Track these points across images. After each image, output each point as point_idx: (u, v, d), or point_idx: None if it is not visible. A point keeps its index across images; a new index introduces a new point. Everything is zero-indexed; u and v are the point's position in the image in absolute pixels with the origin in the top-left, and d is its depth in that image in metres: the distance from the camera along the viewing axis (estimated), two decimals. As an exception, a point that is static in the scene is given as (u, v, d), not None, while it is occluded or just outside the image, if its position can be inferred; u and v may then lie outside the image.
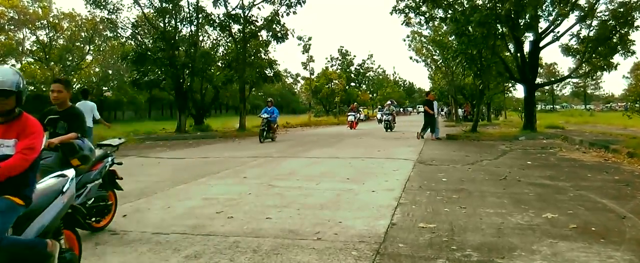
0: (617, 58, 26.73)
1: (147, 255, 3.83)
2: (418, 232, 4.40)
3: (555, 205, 5.48)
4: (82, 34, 20.74)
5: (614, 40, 17.48)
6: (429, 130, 16.92)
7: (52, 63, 19.61)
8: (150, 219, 5.07)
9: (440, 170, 8.66)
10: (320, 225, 4.69)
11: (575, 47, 19.30)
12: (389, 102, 26.85)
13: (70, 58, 20.36)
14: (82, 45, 21.17)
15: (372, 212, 5.24)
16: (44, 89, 28.07)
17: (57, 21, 21.14)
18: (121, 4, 21.63)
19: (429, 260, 3.64)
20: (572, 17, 18.33)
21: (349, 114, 29.82)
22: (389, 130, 23.16)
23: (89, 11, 21.68)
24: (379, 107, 47.63)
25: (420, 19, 19.98)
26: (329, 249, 3.90)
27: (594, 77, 73.36)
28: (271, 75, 26.37)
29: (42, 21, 20.89)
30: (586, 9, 17.73)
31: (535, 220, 4.82)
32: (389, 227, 4.59)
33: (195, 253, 3.84)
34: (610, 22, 17.21)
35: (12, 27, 22.85)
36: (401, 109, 75.17)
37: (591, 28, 18.24)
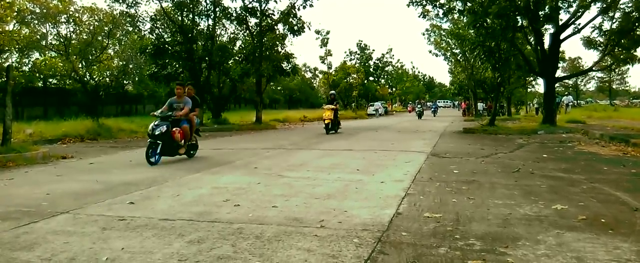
0: (640, 51, 25.91)
1: (151, 239, 3.88)
2: (423, 222, 4.37)
3: (567, 197, 5.38)
4: (105, 28, 20.99)
5: (638, 33, 17.03)
6: None
7: (75, 57, 19.90)
8: (158, 206, 5.13)
9: (452, 163, 8.57)
10: (325, 214, 4.69)
11: (597, 39, 18.86)
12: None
13: (94, 51, 20.67)
14: (102, 39, 21.44)
15: (379, 202, 5.22)
16: (69, 82, 28.46)
17: (77, 15, 21.45)
18: (140, -2, 21.87)
19: (430, 248, 3.61)
20: (594, 9, 17.91)
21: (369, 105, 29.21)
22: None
23: (108, 5, 21.97)
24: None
25: (438, 11, 19.75)
26: (331, 236, 3.90)
27: (619, 72, 71.74)
28: (288, 68, 26.40)
29: (63, 15, 21.23)
30: (609, 0, 17.29)
31: (544, 211, 4.74)
32: (393, 217, 4.56)
33: (198, 239, 3.87)
34: (634, 13, 16.78)
35: (35, 21, 23.24)
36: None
37: (614, 20, 17.80)
